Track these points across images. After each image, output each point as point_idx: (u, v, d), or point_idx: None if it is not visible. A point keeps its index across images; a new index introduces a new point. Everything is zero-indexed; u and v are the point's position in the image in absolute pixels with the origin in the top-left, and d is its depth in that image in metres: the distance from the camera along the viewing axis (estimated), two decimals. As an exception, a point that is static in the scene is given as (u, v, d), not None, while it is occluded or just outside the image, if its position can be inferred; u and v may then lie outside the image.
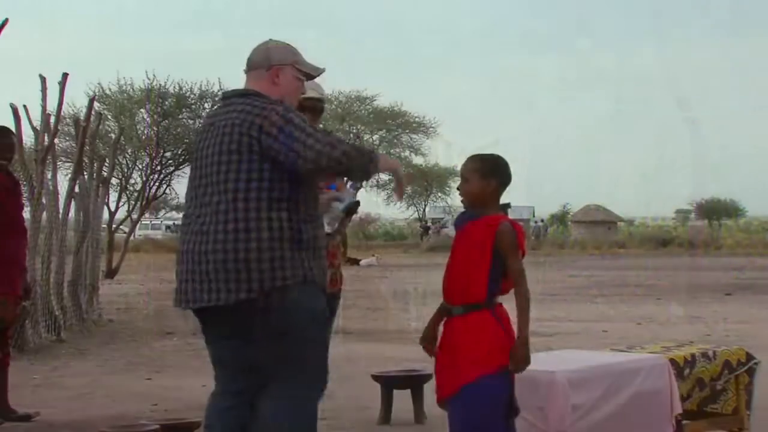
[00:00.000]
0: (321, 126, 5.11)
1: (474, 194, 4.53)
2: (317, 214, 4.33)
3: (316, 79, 4.79)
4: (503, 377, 4.42)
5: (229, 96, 4.37)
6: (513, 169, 4.63)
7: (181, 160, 36.06)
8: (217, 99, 36.31)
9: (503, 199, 4.61)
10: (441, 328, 4.61)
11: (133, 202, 34.75)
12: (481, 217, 4.52)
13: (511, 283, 4.49)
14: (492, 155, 4.61)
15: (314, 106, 4.99)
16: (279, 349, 4.18)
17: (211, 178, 4.19)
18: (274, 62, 4.38)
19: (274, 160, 4.12)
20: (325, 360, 4.33)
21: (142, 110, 36.27)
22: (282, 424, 4.20)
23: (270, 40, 4.47)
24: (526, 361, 4.41)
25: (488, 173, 4.50)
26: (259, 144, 4.12)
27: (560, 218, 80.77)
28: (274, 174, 4.13)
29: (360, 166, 4.11)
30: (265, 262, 4.08)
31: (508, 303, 4.53)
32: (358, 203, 5.10)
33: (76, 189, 13.69)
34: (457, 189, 4.63)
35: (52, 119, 12.23)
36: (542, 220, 73.07)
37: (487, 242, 4.44)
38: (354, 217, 6.07)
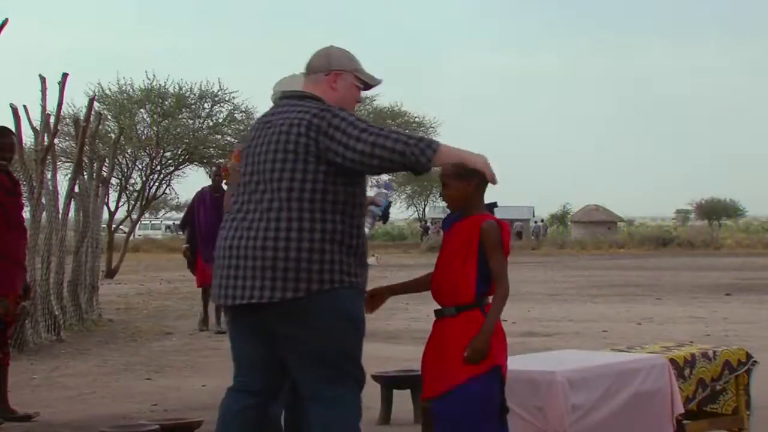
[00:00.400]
0: None
1: (456, 197, 4.51)
2: (363, 221, 4.33)
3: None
4: (492, 377, 4.40)
5: (287, 97, 4.36)
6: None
7: (180, 160, 36.10)
8: (216, 99, 36.43)
9: (493, 198, 4.60)
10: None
11: (133, 202, 34.76)
12: (467, 217, 4.52)
13: None
14: None
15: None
16: (318, 351, 4.17)
17: (264, 175, 4.17)
18: (333, 67, 4.37)
19: (331, 162, 4.11)
20: (360, 361, 4.33)
21: (141, 110, 36.30)
22: (325, 427, 4.21)
23: (331, 46, 4.47)
24: (483, 354, 4.35)
25: (466, 174, 4.42)
26: (316, 145, 4.11)
27: (560, 218, 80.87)
28: (329, 177, 4.13)
29: (418, 155, 4.03)
30: (315, 264, 4.07)
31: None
32: (390, 204, 5.14)
33: (76, 189, 13.68)
34: (440, 195, 4.61)
35: (52, 119, 12.23)
36: (542, 220, 73.10)
37: (473, 241, 4.44)
38: None
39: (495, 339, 4.42)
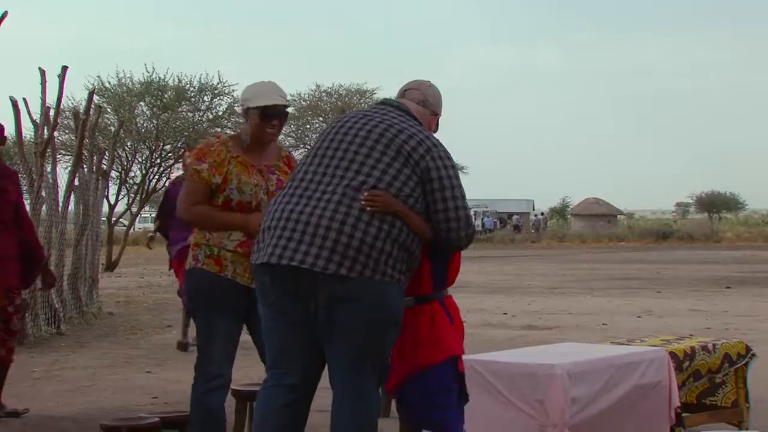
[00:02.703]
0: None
1: None
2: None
3: (274, 83, 5.06)
4: (448, 367, 4.41)
5: (392, 104, 4.48)
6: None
7: (180, 153, 36.04)
8: (216, 92, 36.42)
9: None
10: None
11: (133, 195, 34.77)
12: None
13: (456, 274, 4.54)
14: None
15: (282, 111, 5.04)
16: (355, 339, 4.17)
17: (357, 156, 4.24)
18: (439, 112, 4.62)
19: (422, 179, 4.23)
20: (388, 363, 4.35)
21: (141, 103, 36.28)
22: (348, 419, 4.22)
23: (435, 86, 4.66)
24: (381, 203, 4.20)
25: None
26: (417, 160, 4.23)
27: (560, 211, 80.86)
28: (416, 188, 4.22)
29: (465, 245, 4.35)
30: (375, 252, 4.12)
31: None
32: None
33: (76, 182, 13.68)
34: None
35: (52, 112, 12.22)
36: (542, 213, 73.07)
37: None
38: None
39: (453, 329, 4.45)
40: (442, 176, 4.25)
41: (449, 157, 4.33)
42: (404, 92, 4.59)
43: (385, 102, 4.53)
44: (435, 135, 4.52)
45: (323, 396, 4.57)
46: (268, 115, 4.98)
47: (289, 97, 5.64)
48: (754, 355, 6.24)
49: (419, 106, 4.54)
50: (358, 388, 4.22)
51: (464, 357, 4.55)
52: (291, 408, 4.30)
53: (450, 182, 4.26)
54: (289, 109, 5.24)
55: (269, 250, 4.18)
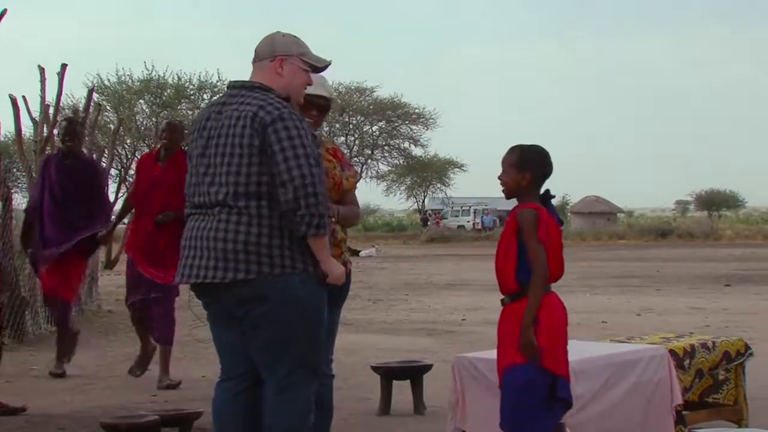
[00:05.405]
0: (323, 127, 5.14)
1: (509, 186, 4.63)
2: None
3: (324, 78, 4.94)
4: (531, 367, 4.42)
5: (236, 86, 4.42)
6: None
7: (180, 151, 35.99)
8: (216, 90, 36.39)
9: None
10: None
11: (133, 193, 34.71)
12: (516, 206, 4.60)
13: (553, 270, 4.57)
14: (530, 147, 4.69)
15: (321, 104, 5.02)
16: (271, 336, 4.26)
17: (217, 168, 4.27)
18: (278, 53, 4.43)
19: (267, 156, 4.20)
20: (317, 351, 4.38)
21: (141, 101, 36.27)
22: (273, 413, 4.27)
23: (277, 32, 4.52)
24: (529, 346, 4.39)
25: (524, 166, 4.59)
26: (259, 138, 4.19)
27: (559, 209, 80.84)
28: (267, 174, 4.20)
29: (299, 224, 4.13)
30: (264, 248, 4.19)
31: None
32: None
33: (76, 180, 13.64)
34: (498, 178, 4.70)
35: (51, 110, 12.23)
36: (542, 211, 72.95)
37: (512, 231, 4.53)
38: None
39: (534, 330, 4.43)
40: (272, 141, 4.16)
41: (283, 118, 4.20)
42: (255, 59, 4.49)
43: (234, 85, 4.43)
44: (299, 74, 4.43)
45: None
46: (307, 104, 4.89)
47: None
48: (752, 354, 6.24)
49: (258, 63, 4.44)
50: (281, 382, 4.27)
51: (465, 355, 4.58)
52: (241, 396, 4.40)
53: (291, 143, 4.16)
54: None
55: (180, 270, 4.38)
